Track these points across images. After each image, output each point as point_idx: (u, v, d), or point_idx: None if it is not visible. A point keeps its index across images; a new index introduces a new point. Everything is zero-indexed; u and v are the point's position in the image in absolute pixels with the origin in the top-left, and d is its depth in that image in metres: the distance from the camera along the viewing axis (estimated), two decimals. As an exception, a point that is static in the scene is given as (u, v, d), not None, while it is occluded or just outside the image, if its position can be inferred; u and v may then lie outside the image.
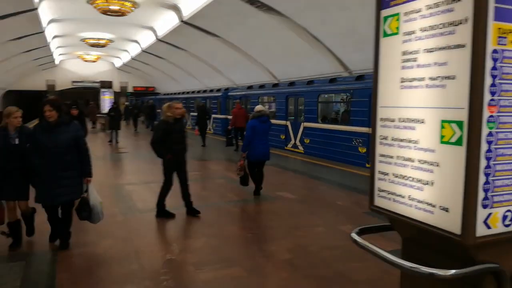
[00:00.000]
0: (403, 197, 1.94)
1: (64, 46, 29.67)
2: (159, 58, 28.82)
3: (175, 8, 17.63)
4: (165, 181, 6.10)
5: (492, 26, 1.56)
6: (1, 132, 4.73)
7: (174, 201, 6.27)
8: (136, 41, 27.11)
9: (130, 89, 43.36)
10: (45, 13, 17.79)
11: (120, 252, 4.73)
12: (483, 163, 1.62)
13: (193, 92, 29.11)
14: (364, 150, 10.99)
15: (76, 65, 39.58)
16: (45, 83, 39.10)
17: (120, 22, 20.43)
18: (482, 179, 1.62)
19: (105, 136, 19.46)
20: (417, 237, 2.00)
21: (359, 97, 11.16)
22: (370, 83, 2.16)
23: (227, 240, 5.24)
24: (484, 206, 1.64)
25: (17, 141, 4.71)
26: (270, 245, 4.99)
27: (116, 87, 42.41)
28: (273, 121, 10.20)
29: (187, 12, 17.37)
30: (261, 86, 18.54)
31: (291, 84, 16.21)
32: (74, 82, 40.82)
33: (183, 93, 31.40)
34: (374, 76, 2.09)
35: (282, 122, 15.44)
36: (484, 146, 1.61)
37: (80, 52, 33.54)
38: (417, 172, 1.85)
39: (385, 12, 2.00)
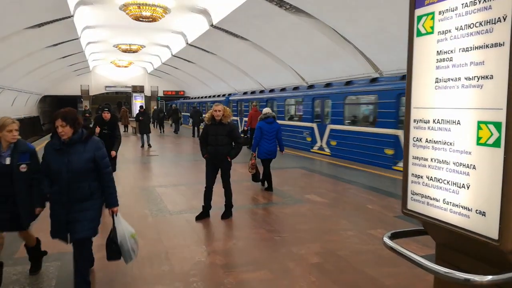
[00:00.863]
0: (437, 200, 1.89)
1: (97, 52, 30.62)
2: (189, 62, 29.29)
3: (205, 13, 17.89)
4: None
5: (532, 23, 1.51)
6: None
7: (200, 203, 6.33)
8: (167, 46, 27.67)
9: (160, 93, 44.26)
10: (80, 20, 18.44)
11: (151, 253, 4.82)
12: (522, 165, 1.55)
13: (204, 97, 34.64)
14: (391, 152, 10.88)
15: (108, 70, 40.86)
16: (80, 88, 40.47)
17: (152, 28, 20.92)
18: (521, 182, 1.56)
19: (137, 139, 19.89)
20: (452, 242, 1.95)
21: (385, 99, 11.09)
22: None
23: (255, 243, 5.25)
24: (523, 211, 1.57)
25: (8, 161, 3.74)
26: (298, 249, 4.95)
27: (147, 91, 43.40)
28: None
29: (216, 16, 17.60)
30: (271, 90, 21.19)
31: (295, 88, 18.09)
32: (107, 87, 42.12)
33: (196, 97, 37.39)
34: (407, 76, 2.04)
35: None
36: (523, 148, 1.55)
37: (113, 58, 34.52)
38: (453, 175, 1.79)
39: (419, 11, 1.96)
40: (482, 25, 1.63)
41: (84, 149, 3.52)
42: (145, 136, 16.84)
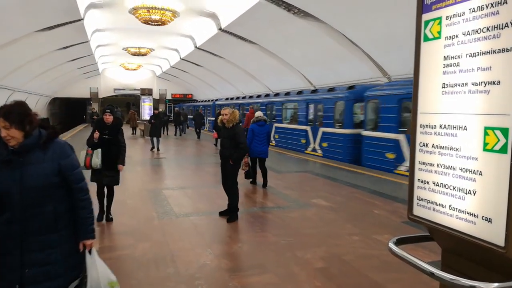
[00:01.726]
0: (443, 206, 1.87)
1: (107, 55, 30.90)
2: (197, 66, 29.43)
3: (214, 16, 17.98)
4: None
5: (540, 29, 1.50)
6: None
7: (206, 206, 6.35)
8: (175, 49, 27.83)
9: (168, 96, 44.50)
10: (90, 23, 18.63)
11: (157, 256, 4.83)
12: (529, 172, 1.54)
13: (202, 101, 37.93)
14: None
15: (118, 73, 41.20)
16: (89, 90, 40.83)
17: (161, 31, 21.07)
18: (528, 189, 1.54)
19: (145, 142, 19.97)
20: (458, 248, 1.93)
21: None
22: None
23: (260, 247, 5.24)
24: (530, 217, 1.56)
25: None
26: (304, 253, 4.94)
27: (156, 94, 43.65)
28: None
29: (224, 20, 17.68)
30: (258, 96, 23.04)
31: (288, 94, 19.00)
32: (116, 89, 42.43)
33: (196, 101, 41.02)
34: (414, 81, 2.03)
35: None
36: (530, 154, 1.53)
37: (122, 61, 34.79)
38: (459, 181, 1.78)
39: (426, 16, 1.95)
40: (489, 31, 1.62)
41: (44, 158, 2.41)
42: (155, 139, 16.58)
